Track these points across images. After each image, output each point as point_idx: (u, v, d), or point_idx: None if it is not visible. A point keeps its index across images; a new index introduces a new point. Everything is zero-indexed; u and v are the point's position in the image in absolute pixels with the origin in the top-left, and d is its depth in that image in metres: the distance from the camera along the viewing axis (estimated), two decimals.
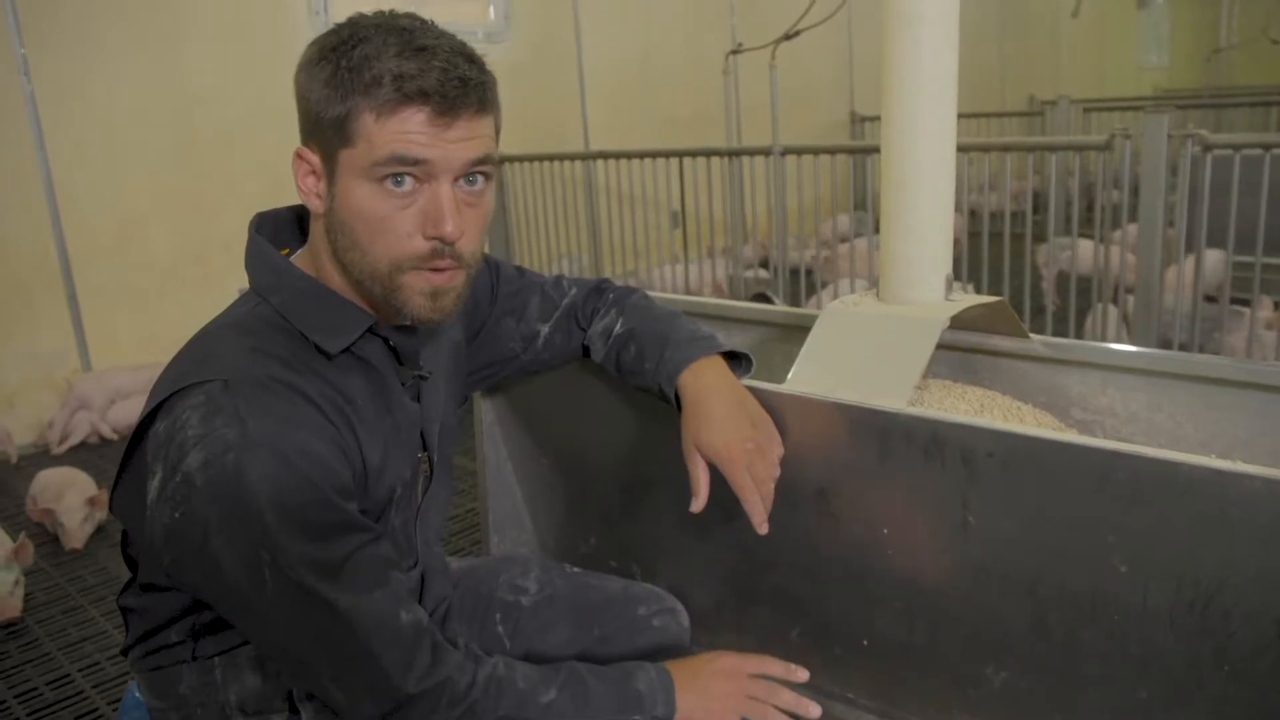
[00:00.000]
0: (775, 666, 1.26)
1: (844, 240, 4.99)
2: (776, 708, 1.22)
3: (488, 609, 1.54)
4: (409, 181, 1.07)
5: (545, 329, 1.49)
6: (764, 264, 5.71)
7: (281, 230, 1.23)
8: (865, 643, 1.46)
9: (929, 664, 1.41)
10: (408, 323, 1.16)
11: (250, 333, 1.11)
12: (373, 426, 1.15)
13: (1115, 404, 1.54)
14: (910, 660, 1.43)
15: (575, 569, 1.63)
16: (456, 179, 1.09)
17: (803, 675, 1.26)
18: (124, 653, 1.25)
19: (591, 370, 1.54)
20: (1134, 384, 1.53)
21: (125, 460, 1.13)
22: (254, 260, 1.16)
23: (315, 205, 1.12)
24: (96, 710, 2.20)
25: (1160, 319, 3.30)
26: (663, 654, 1.60)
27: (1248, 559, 1.06)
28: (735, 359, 1.40)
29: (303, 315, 1.12)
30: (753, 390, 1.35)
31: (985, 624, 1.31)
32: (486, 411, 1.85)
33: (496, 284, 1.48)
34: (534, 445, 1.84)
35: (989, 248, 4.00)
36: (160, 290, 4.33)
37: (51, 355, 4.15)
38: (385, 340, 1.18)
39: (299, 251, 1.20)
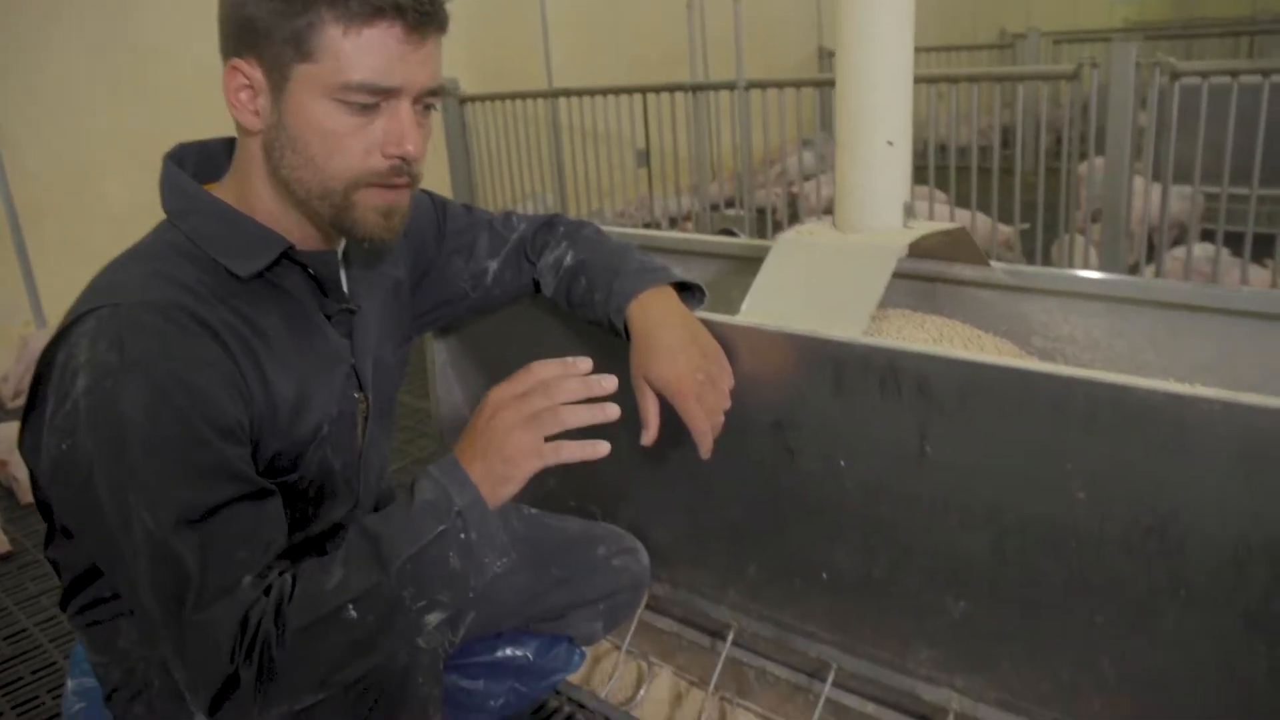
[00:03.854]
0: (549, 368, 1.06)
1: (808, 177, 4.92)
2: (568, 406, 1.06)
3: None
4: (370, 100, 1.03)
5: (494, 265, 1.45)
6: (730, 204, 5.65)
7: (209, 161, 1.18)
8: (824, 576, 1.45)
9: (888, 596, 1.40)
10: (359, 243, 1.12)
11: (154, 258, 1.06)
12: (286, 360, 1.10)
13: (1076, 331, 1.52)
14: (870, 593, 1.41)
15: (533, 510, 1.60)
16: (415, 101, 1.06)
17: (584, 364, 1.07)
18: (61, 607, 1.20)
19: (544, 307, 1.50)
20: (1095, 310, 1.50)
21: (31, 398, 1.06)
22: (165, 186, 1.11)
23: (251, 122, 1.07)
24: (54, 664, 2.17)
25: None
26: (623, 594, 1.59)
27: (1204, 484, 1.04)
28: (688, 290, 1.37)
29: (213, 239, 1.07)
30: (704, 322, 1.31)
31: (944, 555, 1.29)
32: (439, 352, 1.81)
33: (443, 223, 1.43)
34: (489, 385, 1.80)
35: (956, 182, 3.96)
36: (116, 244, 4.15)
37: (2, 310, 4.05)
38: (305, 269, 1.13)
39: (223, 180, 1.15)
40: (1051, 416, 1.11)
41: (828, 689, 1.56)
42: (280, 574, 1.01)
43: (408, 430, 3.21)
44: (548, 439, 1.05)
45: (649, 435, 1.29)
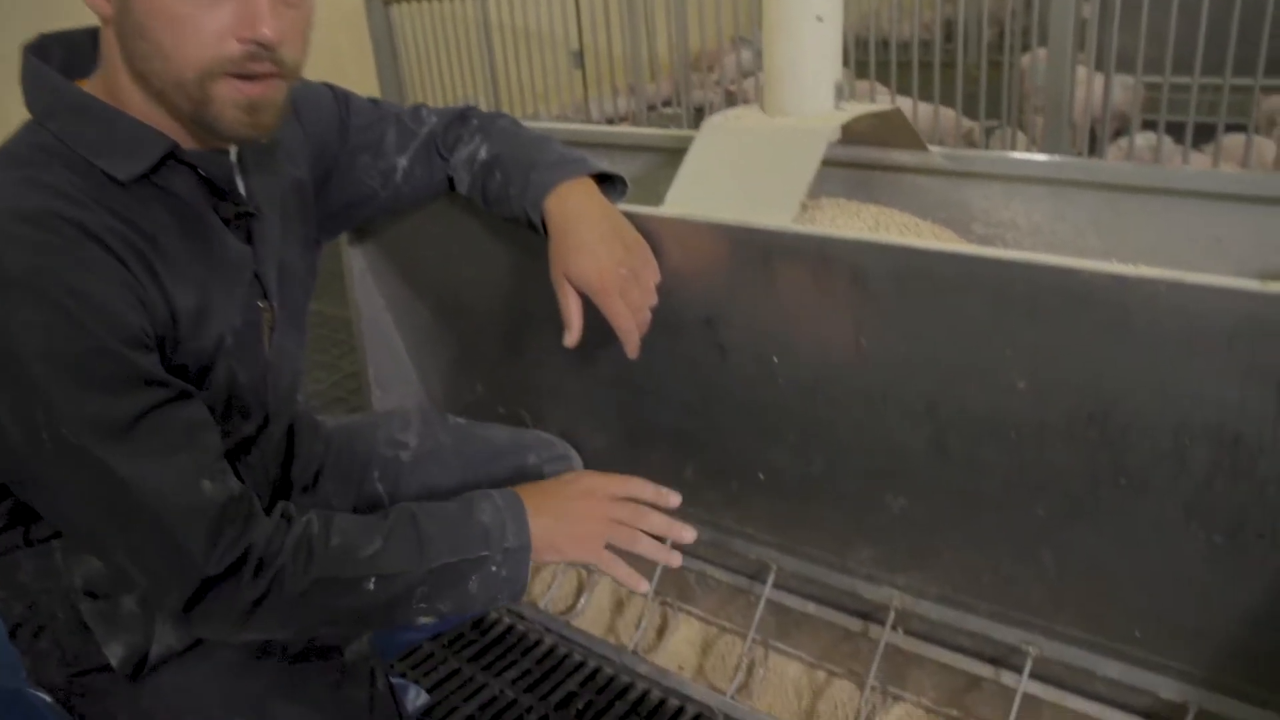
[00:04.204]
0: (644, 488, 1.14)
1: (747, 75, 4.80)
2: (645, 532, 1.12)
3: (365, 467, 1.44)
4: None
5: (404, 162, 1.35)
6: (668, 103, 5.51)
7: (76, 54, 1.06)
8: (761, 477, 1.40)
9: (827, 494, 1.36)
10: (224, 144, 1.03)
11: (22, 162, 0.95)
12: (182, 268, 1.00)
13: (1018, 217, 1.46)
14: (808, 492, 1.37)
15: (460, 420, 1.53)
16: None
17: (674, 500, 1.15)
18: None
19: (462, 205, 1.42)
20: (1037, 194, 1.45)
21: None
22: (28, 82, 1.00)
23: (101, 9, 0.96)
24: None
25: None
26: None
27: (1147, 368, 1.00)
28: (609, 182, 1.28)
29: (87, 140, 0.96)
30: (627, 214, 1.23)
31: (882, 450, 1.25)
32: (356, 258, 1.72)
33: (346, 118, 1.33)
34: (410, 291, 1.72)
35: (898, 77, 3.87)
36: None
37: None
38: (195, 170, 1.03)
39: (93, 75, 1.04)
40: (991, 303, 1.06)
41: (768, 590, 1.53)
42: (270, 505, 1.01)
43: (340, 345, 3.12)
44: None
45: (571, 336, 1.23)
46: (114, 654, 1.10)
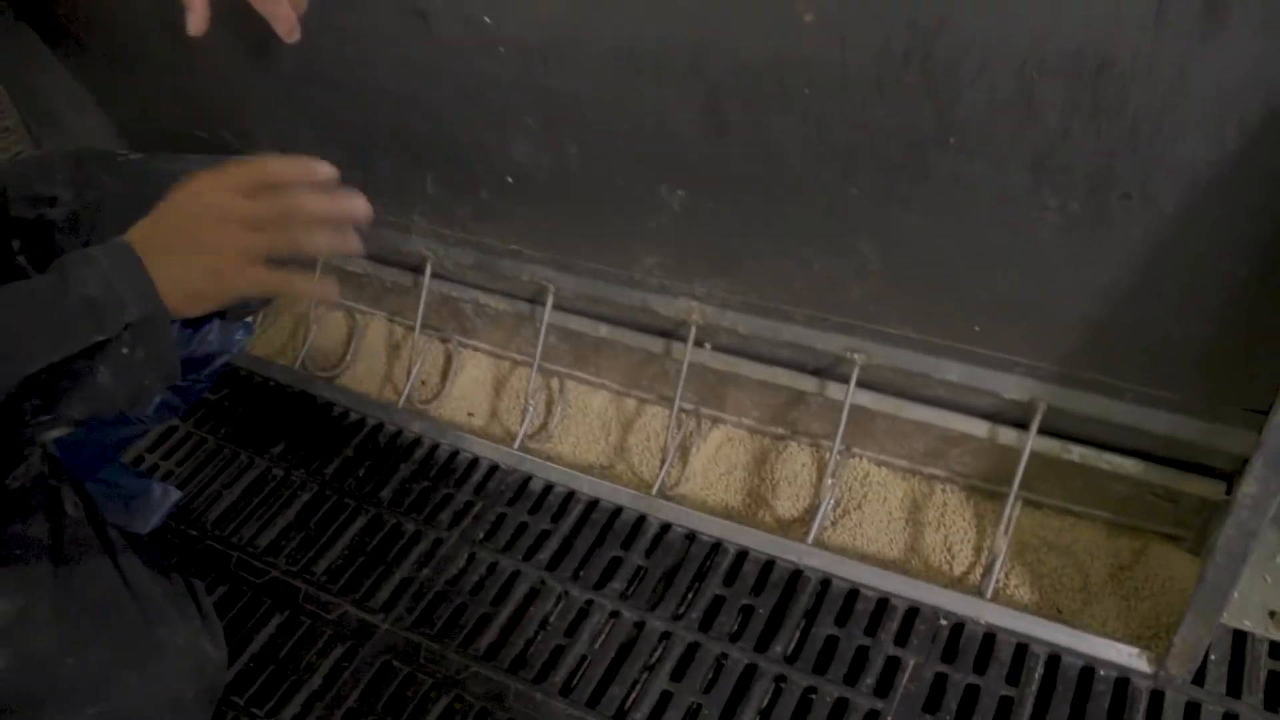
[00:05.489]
0: (280, 169, 0.82)
1: None
2: (308, 225, 0.82)
3: None
4: None
5: None
6: None
7: None
8: (510, 180, 1.09)
9: (590, 194, 1.06)
10: None
11: None
12: None
13: None
14: (567, 193, 1.07)
15: (135, 156, 1.16)
16: None
17: (325, 169, 0.83)
18: None
19: None
20: None
21: None
22: None
23: None
24: None
25: None
26: None
27: None
28: None
29: None
30: None
31: (646, 129, 0.94)
32: None
33: None
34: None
35: None
36: None
37: None
38: None
39: None
40: None
41: (548, 314, 1.26)
42: None
43: None
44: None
45: (194, 20, 0.88)
46: None
